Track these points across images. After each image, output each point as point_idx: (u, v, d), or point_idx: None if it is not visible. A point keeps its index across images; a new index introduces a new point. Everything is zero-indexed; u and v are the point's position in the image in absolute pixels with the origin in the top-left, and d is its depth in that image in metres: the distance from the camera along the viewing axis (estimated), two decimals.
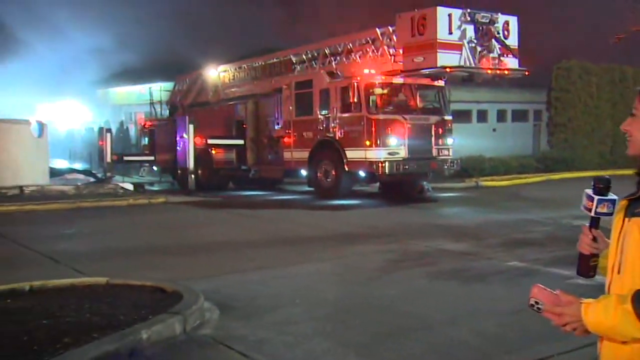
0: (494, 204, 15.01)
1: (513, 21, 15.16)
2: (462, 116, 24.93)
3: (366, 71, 15.41)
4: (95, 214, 13.78)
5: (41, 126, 17.65)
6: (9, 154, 16.62)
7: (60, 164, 25.54)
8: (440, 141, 15.67)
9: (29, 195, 15.67)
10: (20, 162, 16.66)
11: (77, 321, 5.13)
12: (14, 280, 6.46)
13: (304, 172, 17.04)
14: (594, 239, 2.00)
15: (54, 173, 19.51)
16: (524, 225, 11.50)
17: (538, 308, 1.85)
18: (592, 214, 1.97)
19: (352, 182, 16.13)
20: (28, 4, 31.02)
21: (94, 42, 31.46)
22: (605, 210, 1.94)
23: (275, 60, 19.02)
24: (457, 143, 16.89)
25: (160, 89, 24.59)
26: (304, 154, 16.56)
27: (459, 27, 14.26)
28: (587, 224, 2.02)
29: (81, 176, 21.01)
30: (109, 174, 20.11)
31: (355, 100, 15.01)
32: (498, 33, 14.67)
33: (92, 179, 20.29)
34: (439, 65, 14.11)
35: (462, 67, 14.41)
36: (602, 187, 1.95)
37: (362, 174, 15.49)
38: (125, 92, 37.44)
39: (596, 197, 1.95)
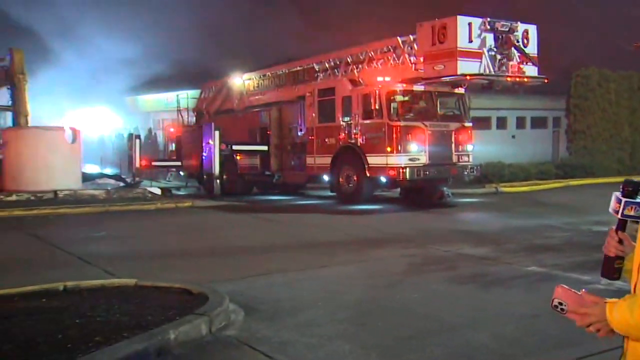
0: (513, 209, 14.97)
1: (532, 30, 15.13)
2: (481, 123, 24.78)
3: (387, 79, 15.54)
4: (125, 217, 14.03)
5: (74, 133, 18.00)
6: (44, 160, 17.01)
7: (92, 169, 25.98)
8: (460, 147, 15.72)
9: (63, 199, 16.00)
10: (55, 167, 17.04)
11: (107, 321, 5.27)
12: (48, 280, 6.65)
13: (326, 178, 17.16)
14: (620, 242, 1.99)
15: (86, 178, 19.78)
16: (543, 230, 11.49)
17: (562, 309, 1.85)
18: (619, 216, 1.96)
19: (374, 188, 16.17)
20: (61, 16, 31.82)
21: (123, 52, 32.05)
22: (632, 213, 1.94)
23: (298, 68, 19.15)
24: (477, 149, 16.84)
25: (187, 97, 24.77)
26: (327, 160, 16.68)
27: (479, 35, 14.28)
28: (614, 227, 2.01)
29: (111, 181, 21.29)
30: (137, 179, 20.46)
31: (377, 107, 15.13)
32: (517, 41, 14.64)
33: (121, 184, 20.58)
34: (459, 73, 14.14)
35: (482, 74, 14.43)
36: (630, 190, 1.95)
37: (383, 179, 15.51)
38: (153, 99, 37.89)
39: (623, 200, 1.95)
